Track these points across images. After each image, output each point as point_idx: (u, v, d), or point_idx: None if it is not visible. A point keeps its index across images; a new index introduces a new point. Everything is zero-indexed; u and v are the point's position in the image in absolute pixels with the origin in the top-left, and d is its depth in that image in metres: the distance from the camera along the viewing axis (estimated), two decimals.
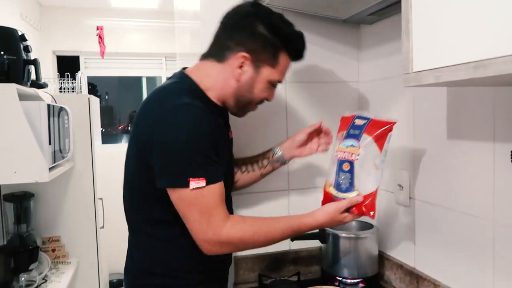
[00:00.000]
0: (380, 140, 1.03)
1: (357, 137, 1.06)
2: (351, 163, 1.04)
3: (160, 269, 1.01)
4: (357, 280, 1.29)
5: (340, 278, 1.30)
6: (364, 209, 1.01)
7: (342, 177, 1.05)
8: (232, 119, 1.16)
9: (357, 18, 1.38)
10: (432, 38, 0.72)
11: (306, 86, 1.45)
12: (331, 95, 1.48)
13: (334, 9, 1.32)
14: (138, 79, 3.97)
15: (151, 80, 4.04)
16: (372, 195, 1.02)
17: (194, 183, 0.88)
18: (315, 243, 1.42)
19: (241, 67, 1.00)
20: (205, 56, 1.06)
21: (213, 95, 1.03)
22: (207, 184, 0.89)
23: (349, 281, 1.29)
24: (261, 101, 1.09)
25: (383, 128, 1.03)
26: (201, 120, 0.91)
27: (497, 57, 0.58)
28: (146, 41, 3.64)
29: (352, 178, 1.04)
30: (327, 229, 1.32)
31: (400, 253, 1.30)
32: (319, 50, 1.45)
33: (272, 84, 1.06)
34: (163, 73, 3.82)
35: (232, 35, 1.01)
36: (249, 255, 1.37)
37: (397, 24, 1.25)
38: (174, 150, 0.89)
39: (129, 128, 4.48)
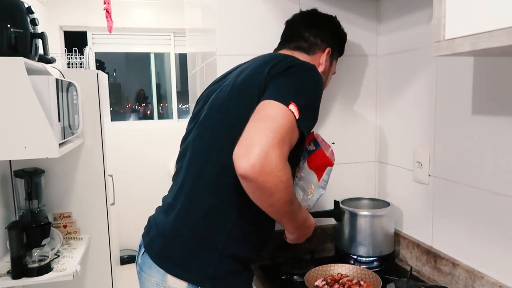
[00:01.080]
0: (318, 171, 1.16)
1: (303, 159, 1.18)
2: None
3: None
4: (372, 259, 1.27)
5: (355, 256, 1.28)
6: None
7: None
8: None
9: None
10: (468, 2, 0.66)
11: None
12: (348, 69, 1.42)
13: None
14: (146, 56, 3.90)
15: (159, 56, 3.98)
16: None
17: (293, 106, 0.86)
18: (330, 221, 1.40)
19: (326, 59, 1.17)
20: (291, 48, 1.17)
21: None
22: (296, 120, 0.86)
23: (363, 259, 1.28)
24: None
25: (322, 161, 1.17)
26: (322, 80, 1.01)
27: None
28: (155, 16, 3.56)
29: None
30: (342, 206, 1.29)
31: (417, 231, 1.27)
32: None
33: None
34: (172, 49, 3.75)
35: (319, 33, 1.17)
36: None
37: None
38: (307, 84, 0.94)
39: (136, 107, 4.44)
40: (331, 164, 1.16)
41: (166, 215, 1.00)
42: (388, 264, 1.29)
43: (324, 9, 1.38)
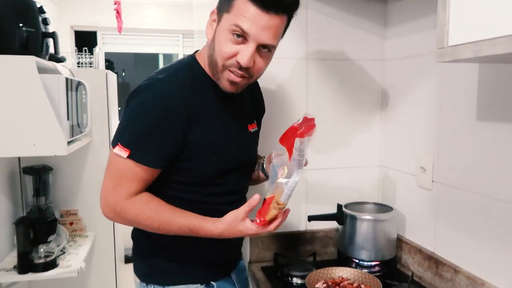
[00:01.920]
0: (288, 145, 0.88)
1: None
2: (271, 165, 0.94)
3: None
4: (374, 263, 1.28)
5: (357, 260, 1.28)
6: (257, 215, 0.93)
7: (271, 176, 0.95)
8: None
9: None
10: (471, 9, 0.67)
11: (329, 64, 1.41)
12: (355, 73, 1.43)
13: None
14: (155, 56, 3.94)
15: (168, 57, 4.01)
16: (266, 202, 0.91)
17: (118, 149, 0.90)
18: (332, 224, 1.41)
19: (211, 24, 0.96)
20: None
21: (205, 67, 1.00)
22: (128, 157, 0.89)
23: (365, 263, 1.28)
24: (232, 65, 0.92)
25: (287, 130, 0.90)
26: (163, 100, 0.90)
27: None
28: (164, 17, 3.60)
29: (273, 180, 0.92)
30: (345, 210, 1.30)
31: (420, 237, 1.27)
32: (343, 27, 1.40)
33: (234, 33, 0.89)
34: (180, 50, 3.78)
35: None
36: (265, 234, 1.36)
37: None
38: (126, 116, 0.94)
39: None
40: (301, 135, 0.86)
41: None
42: (390, 269, 1.29)
43: (331, 12, 1.39)
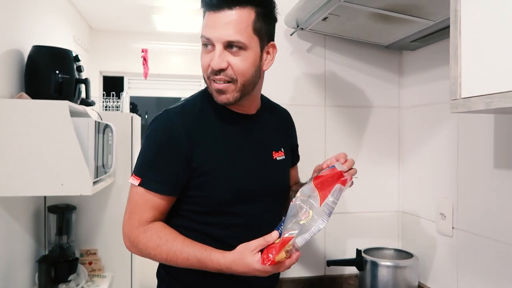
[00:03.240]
0: (323, 189, 0.85)
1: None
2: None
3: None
4: None
5: None
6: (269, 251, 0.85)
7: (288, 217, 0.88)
8: None
9: (400, 45, 1.38)
10: (483, 63, 0.71)
11: (346, 110, 1.46)
12: (371, 120, 1.47)
13: (377, 36, 1.34)
14: (177, 100, 4.10)
15: None
16: (282, 241, 0.84)
17: (131, 179, 0.97)
18: (352, 270, 1.39)
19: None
20: None
21: None
22: (139, 185, 0.94)
23: None
24: (209, 72, 0.95)
25: (328, 175, 0.87)
26: (166, 129, 0.96)
27: None
28: (186, 63, 3.78)
29: (288, 221, 0.87)
30: (365, 255, 1.29)
31: (441, 285, 1.25)
32: (360, 75, 1.46)
33: (204, 44, 0.96)
34: None
35: None
36: (284, 278, 1.36)
37: (441, 50, 1.26)
38: (141, 148, 1.01)
39: None
40: (343, 182, 0.85)
41: None
42: None
43: (349, 63, 1.46)
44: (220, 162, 0.97)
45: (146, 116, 4.75)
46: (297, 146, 1.24)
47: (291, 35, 1.41)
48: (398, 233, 1.48)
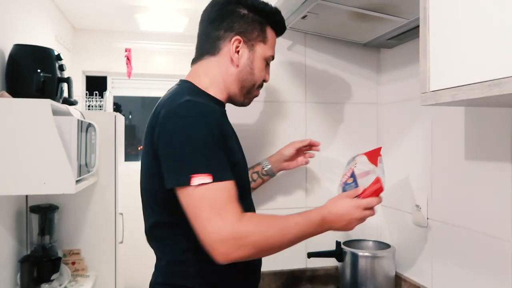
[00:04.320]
0: (373, 158, 1.09)
1: (349, 163, 1.14)
2: (352, 173, 1.07)
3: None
4: None
5: None
6: (374, 186, 1.00)
7: (348, 187, 1.07)
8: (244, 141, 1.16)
9: (377, 42, 1.42)
10: (449, 58, 0.75)
11: (326, 107, 1.50)
12: (350, 115, 1.51)
13: (355, 34, 1.38)
14: None
15: None
16: (374, 181, 1.01)
17: (198, 179, 0.82)
18: (333, 262, 1.43)
19: (237, 51, 1.02)
20: (197, 57, 1.08)
21: (214, 91, 1.03)
22: (214, 180, 0.82)
23: None
24: (261, 84, 1.10)
25: (372, 149, 1.13)
26: (204, 112, 0.88)
27: (510, 76, 0.61)
28: (171, 62, 3.78)
29: (355, 182, 1.05)
30: (344, 247, 1.33)
31: (417, 274, 1.29)
32: (340, 72, 1.50)
33: (267, 61, 1.08)
34: None
35: (220, 24, 1.02)
36: (265, 272, 1.39)
37: (416, 48, 1.30)
38: (178, 147, 0.85)
39: None
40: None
41: None
42: None
43: (329, 60, 1.50)
44: (236, 149, 1.02)
45: (130, 116, 4.73)
46: None
47: None
48: (376, 225, 1.52)
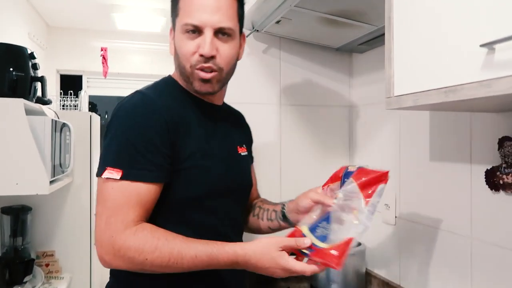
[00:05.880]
0: (366, 189, 0.86)
1: (343, 183, 0.91)
2: (328, 215, 0.87)
3: None
4: None
5: None
6: (329, 259, 0.79)
7: (321, 224, 0.86)
8: None
9: (349, 47, 1.47)
10: (411, 65, 0.80)
11: (301, 109, 1.54)
12: (324, 118, 1.56)
13: (328, 39, 1.42)
14: None
15: None
16: (342, 245, 0.80)
17: (107, 172, 0.79)
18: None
19: (171, 38, 0.97)
20: None
21: (180, 81, 0.97)
22: (122, 177, 0.78)
23: None
24: (196, 60, 0.89)
25: (372, 176, 0.87)
26: (146, 107, 0.84)
27: (465, 83, 0.66)
28: (148, 62, 3.76)
29: (329, 228, 0.84)
30: None
31: (386, 270, 1.35)
32: (313, 76, 1.55)
33: (187, 31, 0.89)
34: None
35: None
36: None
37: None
38: (109, 138, 0.84)
39: None
40: (386, 181, 0.87)
41: None
42: None
43: (303, 64, 1.54)
44: (197, 149, 0.89)
45: (106, 116, 4.67)
46: (251, 144, 1.24)
47: (247, 36, 1.47)
48: None
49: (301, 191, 1.51)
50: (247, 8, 1.33)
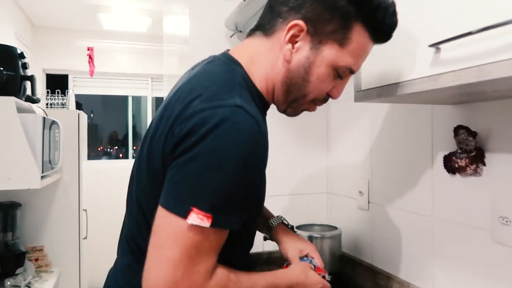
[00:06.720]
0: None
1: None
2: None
3: None
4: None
5: None
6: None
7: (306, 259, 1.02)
8: None
9: None
10: (375, 64, 0.91)
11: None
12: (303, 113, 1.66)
13: None
14: (124, 99, 4.11)
15: (137, 99, 4.20)
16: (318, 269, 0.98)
17: (194, 218, 0.63)
18: None
19: (294, 41, 0.74)
20: (252, 30, 0.82)
21: (260, 84, 0.78)
22: (211, 226, 0.64)
23: None
24: (322, 98, 0.82)
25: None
26: (256, 140, 0.66)
27: (417, 78, 0.77)
28: (134, 62, 3.81)
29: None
30: (296, 230, 1.48)
31: (360, 252, 1.46)
32: None
33: (338, 73, 0.77)
34: (149, 93, 3.99)
35: None
36: None
37: None
38: (200, 164, 0.64)
39: (108, 150, 4.58)
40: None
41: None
42: (336, 281, 1.45)
43: None
44: (265, 185, 0.80)
45: (92, 115, 4.69)
46: None
47: (231, 37, 1.57)
48: (326, 211, 1.69)
49: (280, 182, 1.62)
50: (230, 11, 1.43)
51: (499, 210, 0.91)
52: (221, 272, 0.70)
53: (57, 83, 3.64)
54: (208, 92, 0.68)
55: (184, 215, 0.63)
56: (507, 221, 0.90)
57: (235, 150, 0.63)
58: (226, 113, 0.64)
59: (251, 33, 0.82)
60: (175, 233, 0.64)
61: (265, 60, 0.77)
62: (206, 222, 0.63)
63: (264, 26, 0.78)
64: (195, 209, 0.63)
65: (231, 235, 0.71)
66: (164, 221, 0.65)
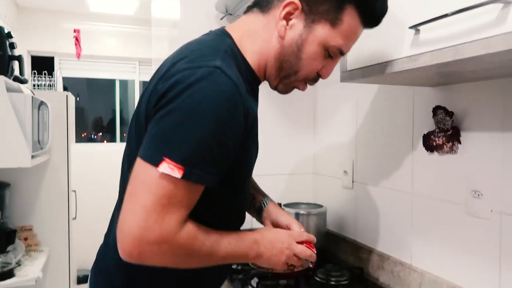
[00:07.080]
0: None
1: None
2: None
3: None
4: None
5: None
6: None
7: None
8: None
9: None
10: (359, 46, 0.95)
11: (269, 87, 1.68)
12: (290, 95, 1.69)
13: None
14: (111, 82, 4.09)
15: (123, 83, 4.17)
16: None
17: (167, 168, 0.66)
18: None
19: (288, 18, 0.78)
20: (250, 7, 0.85)
21: (252, 59, 0.81)
22: (183, 177, 0.67)
23: None
24: (312, 77, 0.85)
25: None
26: (229, 96, 0.69)
27: (398, 58, 0.82)
28: (121, 45, 3.79)
29: None
30: (284, 207, 1.54)
31: (344, 229, 1.53)
32: None
33: (329, 52, 0.80)
34: (137, 77, 3.97)
35: None
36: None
37: None
38: (176, 118, 0.68)
39: (92, 136, 4.56)
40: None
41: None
42: (320, 256, 1.52)
43: None
44: (255, 151, 0.87)
45: (78, 99, 4.65)
46: None
47: (221, 19, 1.60)
48: (312, 190, 1.75)
49: (268, 162, 1.67)
50: None
51: (472, 184, 0.98)
52: (192, 224, 0.73)
53: (43, 65, 3.60)
54: (193, 55, 0.73)
55: (156, 163, 0.67)
56: (478, 195, 0.97)
57: (209, 108, 0.67)
58: (204, 73, 0.68)
59: (248, 9, 0.85)
60: (149, 181, 0.68)
61: (260, 36, 0.81)
62: (177, 173, 0.66)
63: (261, 3, 0.82)
64: (166, 159, 0.66)
65: (219, 203, 0.79)
66: (140, 170, 0.69)
